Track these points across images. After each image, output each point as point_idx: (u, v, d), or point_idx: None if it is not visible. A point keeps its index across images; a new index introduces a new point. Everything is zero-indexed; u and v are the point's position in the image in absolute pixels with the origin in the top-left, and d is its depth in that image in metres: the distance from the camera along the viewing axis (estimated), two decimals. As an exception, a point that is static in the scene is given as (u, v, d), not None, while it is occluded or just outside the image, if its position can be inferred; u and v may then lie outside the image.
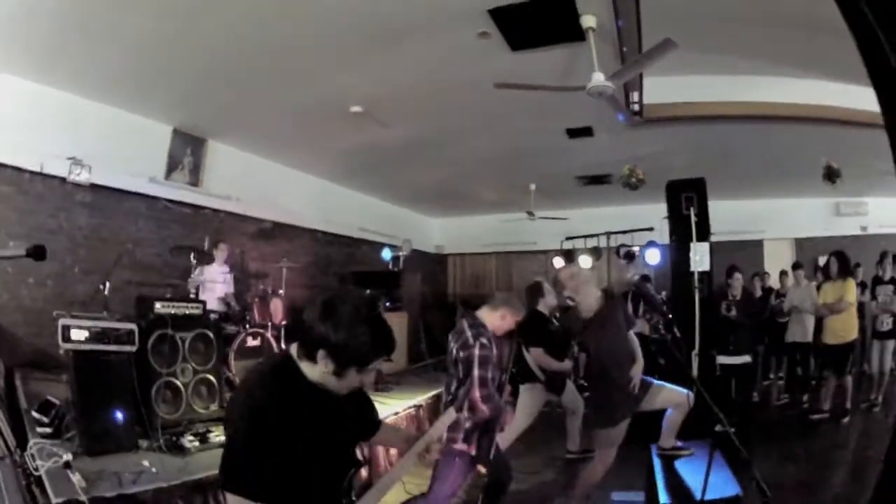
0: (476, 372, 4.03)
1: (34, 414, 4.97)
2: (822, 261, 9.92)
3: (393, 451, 6.21)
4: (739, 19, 5.69)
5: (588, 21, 5.55)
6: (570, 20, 5.59)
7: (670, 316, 6.31)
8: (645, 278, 11.35)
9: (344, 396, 2.25)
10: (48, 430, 4.86)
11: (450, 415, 2.79)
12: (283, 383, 2.16)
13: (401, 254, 12.65)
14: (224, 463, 2.11)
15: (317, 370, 2.14)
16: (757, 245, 13.46)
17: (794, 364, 9.52)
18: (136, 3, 5.51)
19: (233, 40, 6.26)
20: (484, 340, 4.14)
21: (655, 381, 5.26)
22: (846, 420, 7.83)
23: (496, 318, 4.37)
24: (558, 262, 13.01)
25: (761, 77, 7.22)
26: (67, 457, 4.26)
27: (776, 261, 12.49)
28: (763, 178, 11.23)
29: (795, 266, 9.71)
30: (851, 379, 8.00)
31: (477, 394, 4.00)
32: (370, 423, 2.67)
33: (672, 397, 5.14)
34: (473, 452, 4.14)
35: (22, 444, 4.19)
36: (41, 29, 5.93)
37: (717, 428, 3.75)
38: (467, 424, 4.11)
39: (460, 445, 4.12)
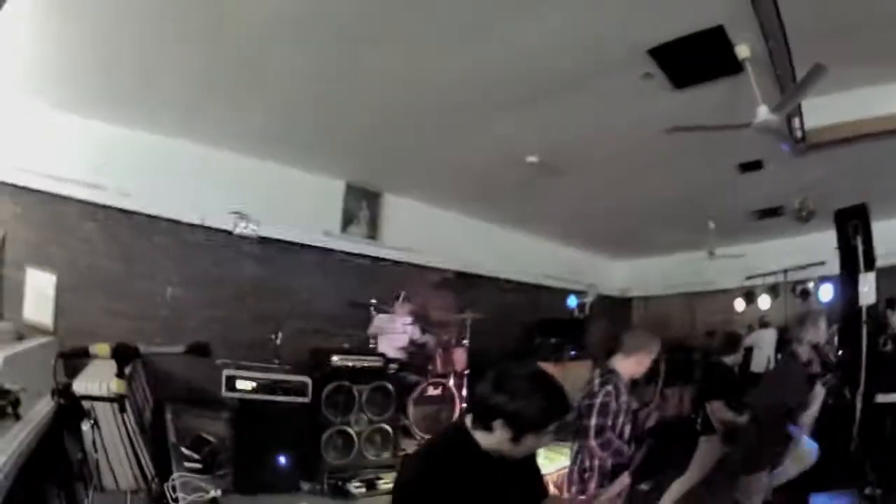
0: (593, 420, 4.04)
1: (183, 449, 5.04)
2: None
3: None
4: (885, 21, 5.05)
5: (743, 51, 5.31)
6: (725, 52, 5.36)
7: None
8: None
9: (515, 464, 2.37)
10: (197, 465, 4.90)
11: (623, 480, 3.10)
12: (455, 452, 2.32)
13: (587, 300, 12.13)
14: None
15: (493, 438, 2.27)
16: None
17: None
18: (285, 66, 5.78)
19: (399, 96, 6.40)
20: (609, 388, 4.13)
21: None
22: None
23: (631, 364, 4.36)
24: (739, 304, 12.63)
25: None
26: (216, 493, 4.24)
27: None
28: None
29: None
30: None
31: (592, 441, 4.02)
32: (536, 495, 2.69)
33: (798, 453, 5.12)
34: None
35: (163, 477, 4.21)
36: (187, 90, 6.37)
37: (867, 491, 3.93)
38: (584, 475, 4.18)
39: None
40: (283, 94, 6.39)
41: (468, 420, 2.37)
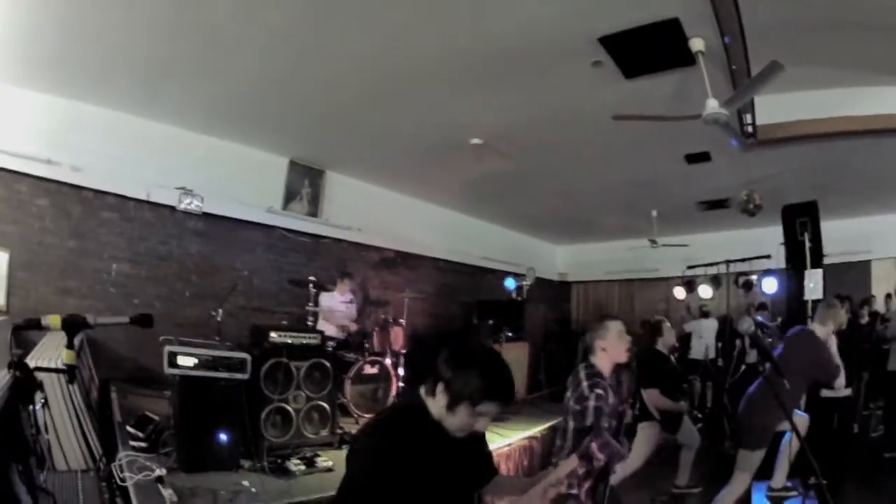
0: (589, 422, 4.04)
1: (129, 428, 4.99)
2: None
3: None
4: (843, 28, 5.28)
5: (697, 45, 5.39)
6: (679, 44, 5.43)
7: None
8: (762, 306, 11.11)
9: (465, 440, 2.37)
10: (143, 444, 4.87)
11: (572, 461, 2.83)
12: (409, 421, 2.33)
13: (525, 283, 12.28)
14: (340, 494, 2.29)
15: (435, 404, 2.31)
16: (864, 266, 12.18)
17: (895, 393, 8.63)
18: (238, 45, 5.78)
19: (344, 77, 6.42)
20: (600, 391, 4.10)
21: None
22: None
23: (604, 358, 4.31)
24: (679, 292, 12.87)
25: (871, 88, 6.59)
26: (161, 471, 4.21)
27: (883, 282, 11.53)
28: (871, 193, 10.25)
29: None
30: None
31: (594, 444, 3.93)
32: (486, 470, 2.69)
33: (795, 419, 5.00)
34: (583, 498, 4.10)
35: (111, 456, 4.17)
36: (142, 66, 6.32)
37: (811, 480, 3.86)
38: (580, 471, 4.04)
39: (573, 490, 4.05)
40: (232, 72, 6.35)
41: (422, 388, 2.41)
